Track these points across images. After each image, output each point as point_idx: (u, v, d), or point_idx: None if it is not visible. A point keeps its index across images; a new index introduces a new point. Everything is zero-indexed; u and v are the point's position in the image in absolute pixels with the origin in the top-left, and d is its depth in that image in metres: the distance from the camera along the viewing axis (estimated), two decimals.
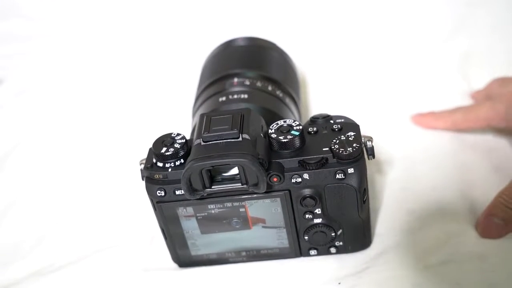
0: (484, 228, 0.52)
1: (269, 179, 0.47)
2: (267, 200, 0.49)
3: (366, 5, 0.92)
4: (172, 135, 0.49)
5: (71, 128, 0.77)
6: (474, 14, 0.86)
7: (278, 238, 0.52)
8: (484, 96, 0.67)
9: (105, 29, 0.97)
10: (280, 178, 0.47)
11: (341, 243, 0.52)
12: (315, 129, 0.49)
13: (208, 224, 0.51)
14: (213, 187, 0.47)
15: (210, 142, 0.46)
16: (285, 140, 0.47)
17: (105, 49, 0.92)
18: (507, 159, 0.61)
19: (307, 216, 0.50)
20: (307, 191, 0.48)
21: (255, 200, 0.49)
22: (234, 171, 0.47)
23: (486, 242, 0.52)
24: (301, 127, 0.48)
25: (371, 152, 0.49)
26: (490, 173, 0.60)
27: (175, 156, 0.48)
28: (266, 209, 0.50)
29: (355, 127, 0.49)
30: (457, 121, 0.64)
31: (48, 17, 1.00)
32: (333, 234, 0.51)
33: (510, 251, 0.51)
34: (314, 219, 0.50)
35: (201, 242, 0.52)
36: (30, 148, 0.74)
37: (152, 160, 0.49)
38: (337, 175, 0.47)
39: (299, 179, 0.47)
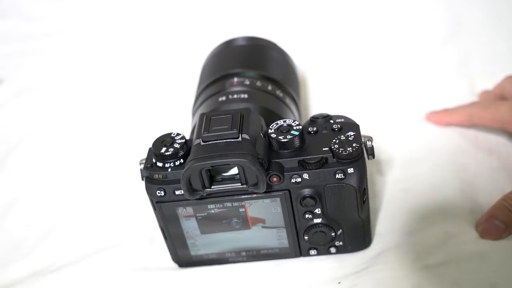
0: (484, 229, 0.52)
1: (269, 179, 0.47)
2: (267, 200, 0.49)
3: (366, 5, 0.92)
4: (172, 135, 0.49)
5: (71, 128, 0.77)
6: (473, 14, 0.86)
7: (278, 238, 0.52)
8: (497, 96, 0.66)
9: (105, 29, 0.97)
10: (280, 178, 0.47)
11: (341, 243, 0.52)
12: (315, 129, 0.49)
13: (208, 224, 0.51)
14: (212, 187, 0.47)
15: (210, 142, 0.46)
16: (285, 140, 0.47)
17: (105, 49, 0.92)
18: (508, 159, 0.61)
19: (307, 216, 0.50)
20: (307, 191, 0.48)
21: (254, 200, 0.49)
22: (234, 171, 0.47)
23: (486, 242, 0.52)
24: (300, 127, 0.48)
25: (371, 152, 0.49)
26: (491, 174, 0.60)
27: (174, 156, 0.48)
28: (266, 209, 0.50)
29: (355, 127, 0.49)
30: (473, 115, 0.63)
31: (48, 17, 1.00)
32: (333, 234, 0.51)
33: (510, 251, 0.51)
34: (314, 219, 0.50)
35: (201, 242, 0.52)
36: (29, 149, 0.74)
37: (152, 160, 0.49)
38: (337, 175, 0.47)
39: (299, 179, 0.47)
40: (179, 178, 0.46)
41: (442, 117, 0.66)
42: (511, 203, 0.52)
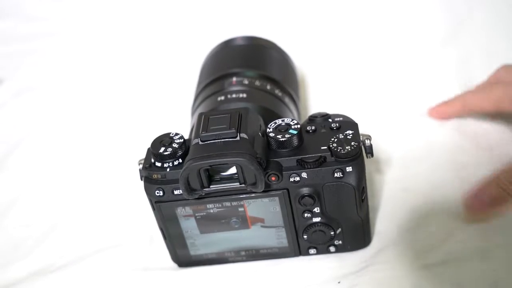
0: (471, 204, 0.51)
1: (267, 178, 0.47)
2: (266, 199, 0.49)
3: (365, 5, 0.92)
4: (171, 134, 0.49)
5: (71, 128, 0.77)
6: (473, 14, 0.85)
7: (277, 237, 0.52)
8: (492, 84, 0.65)
9: (105, 29, 0.97)
10: (278, 177, 0.47)
11: (340, 242, 0.52)
12: (313, 127, 0.49)
13: (207, 223, 0.51)
14: (211, 186, 0.47)
15: (208, 142, 0.46)
16: (283, 139, 0.47)
17: (105, 49, 0.92)
18: (508, 158, 0.61)
19: (305, 215, 0.50)
20: (305, 190, 0.48)
21: (253, 200, 0.49)
22: (232, 170, 0.47)
23: (487, 241, 0.52)
24: (299, 126, 0.48)
25: (369, 151, 0.49)
26: (491, 172, 0.60)
27: (173, 155, 0.48)
28: (265, 209, 0.49)
29: (353, 125, 0.49)
30: (467, 102, 0.63)
31: (48, 17, 1.00)
32: (332, 233, 0.51)
33: (510, 250, 0.50)
34: (313, 218, 0.50)
35: (200, 242, 0.52)
36: (29, 149, 0.74)
37: (151, 160, 0.49)
38: (336, 173, 0.47)
39: (298, 178, 0.47)
40: (178, 177, 0.46)
41: (440, 110, 0.66)
42: (502, 179, 0.51)
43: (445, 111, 0.66)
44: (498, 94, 0.60)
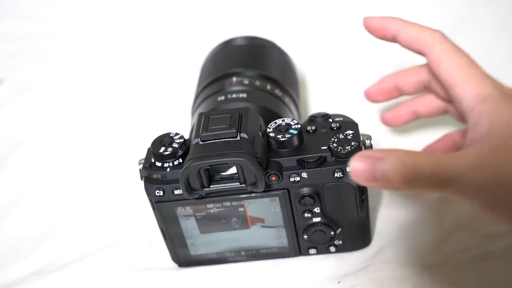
0: (359, 167, 0.37)
1: (268, 178, 0.47)
2: (266, 199, 0.49)
3: (365, 5, 0.92)
4: (171, 134, 0.49)
5: (71, 128, 0.77)
6: (474, 14, 0.85)
7: (277, 237, 0.52)
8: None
9: (105, 29, 0.96)
10: (279, 177, 0.47)
11: (340, 242, 0.52)
12: (313, 127, 0.49)
13: (207, 223, 0.51)
14: (211, 186, 0.47)
15: (208, 142, 0.46)
16: (284, 139, 0.47)
17: (105, 49, 0.92)
18: None
19: (306, 215, 0.50)
20: (305, 190, 0.48)
21: (253, 200, 0.49)
22: (233, 170, 0.47)
23: (487, 241, 0.52)
24: (299, 125, 0.48)
25: None
26: None
27: (173, 155, 0.48)
28: (265, 209, 0.49)
29: (353, 125, 0.49)
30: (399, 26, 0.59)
31: (48, 17, 1.00)
32: (332, 233, 0.51)
33: (510, 251, 0.50)
34: (313, 218, 0.50)
35: (200, 242, 0.52)
36: (29, 149, 0.74)
37: (151, 160, 0.49)
38: (336, 173, 0.47)
39: (298, 178, 0.47)
40: (178, 177, 0.46)
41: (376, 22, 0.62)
42: (415, 160, 0.38)
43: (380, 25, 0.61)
44: (427, 32, 0.56)
